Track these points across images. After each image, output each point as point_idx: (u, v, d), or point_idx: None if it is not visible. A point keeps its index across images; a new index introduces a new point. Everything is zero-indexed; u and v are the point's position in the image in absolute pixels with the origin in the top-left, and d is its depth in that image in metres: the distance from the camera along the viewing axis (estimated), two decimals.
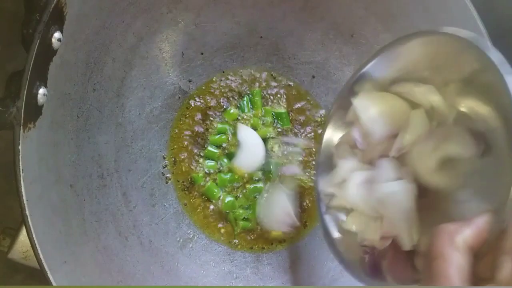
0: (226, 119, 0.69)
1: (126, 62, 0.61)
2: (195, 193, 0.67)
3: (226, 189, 0.67)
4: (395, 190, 0.35)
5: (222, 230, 0.67)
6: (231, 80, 0.70)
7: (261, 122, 0.69)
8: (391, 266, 0.37)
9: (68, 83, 0.52)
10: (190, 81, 0.68)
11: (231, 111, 0.69)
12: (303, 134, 0.70)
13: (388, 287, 0.37)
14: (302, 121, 0.70)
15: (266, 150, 0.67)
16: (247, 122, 0.69)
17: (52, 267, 0.44)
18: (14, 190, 0.42)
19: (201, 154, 0.68)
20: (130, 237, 0.61)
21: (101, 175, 0.59)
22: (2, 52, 0.65)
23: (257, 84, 0.71)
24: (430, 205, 0.36)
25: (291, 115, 0.70)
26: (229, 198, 0.67)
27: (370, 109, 0.39)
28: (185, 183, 0.68)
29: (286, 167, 0.67)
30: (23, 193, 0.42)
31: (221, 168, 0.67)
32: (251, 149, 0.66)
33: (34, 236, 0.43)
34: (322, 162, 0.43)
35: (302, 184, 0.68)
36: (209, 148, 0.68)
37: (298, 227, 0.64)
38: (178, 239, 0.66)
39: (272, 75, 0.71)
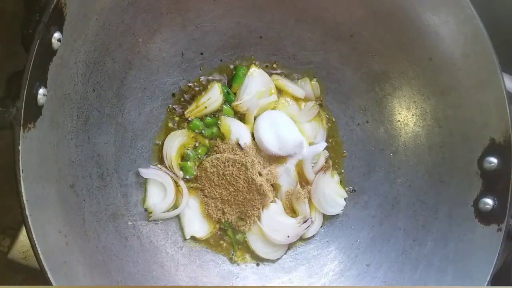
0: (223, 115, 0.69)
1: (126, 62, 0.61)
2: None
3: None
4: None
5: (222, 243, 0.68)
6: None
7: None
8: None
9: (68, 83, 0.52)
10: (189, 81, 0.68)
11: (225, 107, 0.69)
12: None
13: (387, 287, 0.37)
14: None
15: None
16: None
17: (52, 267, 0.44)
18: (14, 190, 0.42)
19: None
20: (130, 237, 0.61)
21: (101, 175, 0.59)
22: (2, 52, 0.65)
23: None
24: None
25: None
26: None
27: None
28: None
29: None
30: (23, 193, 0.42)
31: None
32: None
33: (34, 236, 0.43)
34: None
35: None
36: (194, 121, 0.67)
37: None
38: (178, 240, 0.66)
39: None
